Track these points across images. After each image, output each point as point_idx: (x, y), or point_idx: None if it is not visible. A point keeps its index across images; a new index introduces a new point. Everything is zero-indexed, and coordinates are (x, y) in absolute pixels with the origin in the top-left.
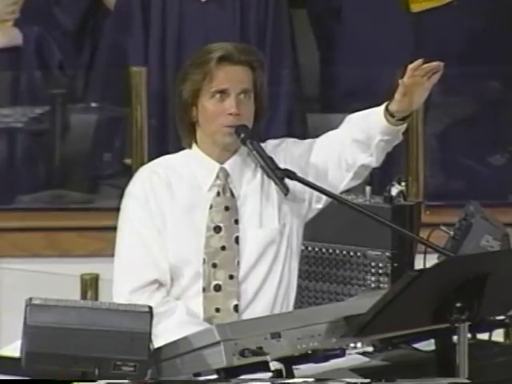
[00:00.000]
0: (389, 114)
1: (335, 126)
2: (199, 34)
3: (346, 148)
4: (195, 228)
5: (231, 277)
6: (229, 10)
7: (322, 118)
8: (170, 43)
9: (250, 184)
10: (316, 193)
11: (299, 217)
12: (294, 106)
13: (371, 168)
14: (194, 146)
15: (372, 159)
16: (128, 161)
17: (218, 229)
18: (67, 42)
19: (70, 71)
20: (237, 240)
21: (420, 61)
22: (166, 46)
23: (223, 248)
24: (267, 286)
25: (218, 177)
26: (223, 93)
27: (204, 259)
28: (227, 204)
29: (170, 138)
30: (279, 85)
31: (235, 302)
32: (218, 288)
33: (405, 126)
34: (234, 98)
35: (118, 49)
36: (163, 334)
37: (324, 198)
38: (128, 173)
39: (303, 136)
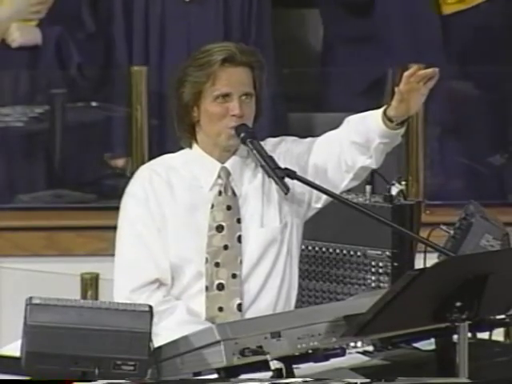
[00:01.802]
0: (387, 118)
1: (317, 126)
2: (182, 34)
3: (346, 150)
4: (197, 227)
5: (234, 276)
6: (212, 10)
7: (303, 117)
8: (152, 43)
9: (251, 183)
10: (315, 192)
11: (299, 216)
12: (276, 105)
13: (371, 169)
14: (194, 145)
15: (371, 161)
16: (117, 161)
17: (220, 228)
18: (87, 44)
19: (89, 73)
20: (239, 239)
21: (416, 67)
22: (149, 46)
23: (226, 247)
24: (269, 284)
25: (219, 176)
26: (226, 95)
27: (206, 258)
28: (229, 203)
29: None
30: None
31: (238, 301)
32: (220, 287)
33: (403, 129)
34: (237, 99)
35: (104, 48)
36: (163, 333)
37: (323, 197)
38: (116, 174)
39: (285, 135)
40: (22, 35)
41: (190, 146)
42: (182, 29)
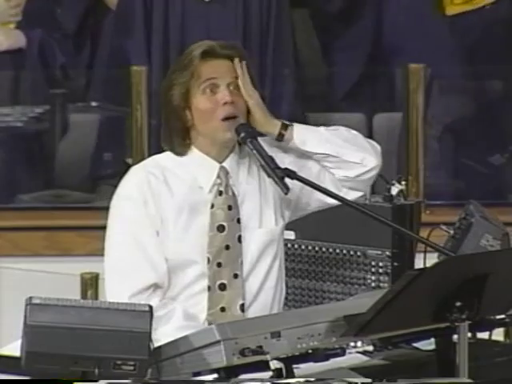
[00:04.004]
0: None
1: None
2: (202, 34)
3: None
4: (198, 228)
5: (236, 276)
6: (232, 10)
7: (322, 117)
8: (172, 43)
9: (248, 183)
10: (305, 198)
11: (286, 218)
12: (295, 105)
13: (373, 178)
14: (189, 149)
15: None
16: (129, 160)
17: (221, 228)
18: (68, 43)
19: (72, 73)
20: (239, 239)
21: None
22: (169, 46)
23: (227, 247)
24: (267, 284)
25: (218, 176)
26: (213, 85)
27: (208, 258)
28: (230, 203)
29: None
30: (281, 84)
31: (241, 302)
32: (223, 287)
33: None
34: (226, 88)
35: (121, 49)
36: (162, 339)
37: (312, 205)
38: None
39: None
40: (6, 39)
41: (185, 153)
42: (202, 29)
